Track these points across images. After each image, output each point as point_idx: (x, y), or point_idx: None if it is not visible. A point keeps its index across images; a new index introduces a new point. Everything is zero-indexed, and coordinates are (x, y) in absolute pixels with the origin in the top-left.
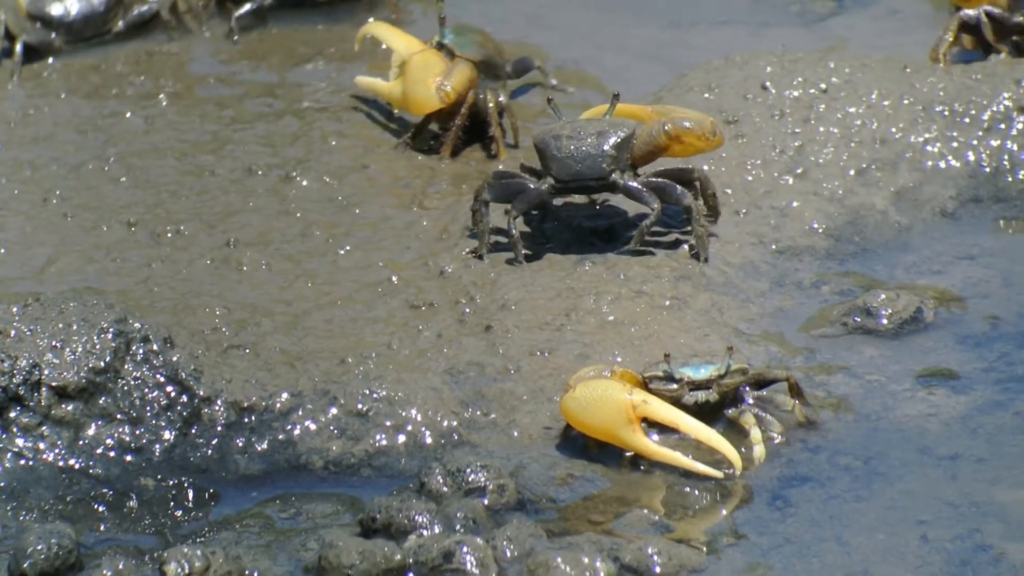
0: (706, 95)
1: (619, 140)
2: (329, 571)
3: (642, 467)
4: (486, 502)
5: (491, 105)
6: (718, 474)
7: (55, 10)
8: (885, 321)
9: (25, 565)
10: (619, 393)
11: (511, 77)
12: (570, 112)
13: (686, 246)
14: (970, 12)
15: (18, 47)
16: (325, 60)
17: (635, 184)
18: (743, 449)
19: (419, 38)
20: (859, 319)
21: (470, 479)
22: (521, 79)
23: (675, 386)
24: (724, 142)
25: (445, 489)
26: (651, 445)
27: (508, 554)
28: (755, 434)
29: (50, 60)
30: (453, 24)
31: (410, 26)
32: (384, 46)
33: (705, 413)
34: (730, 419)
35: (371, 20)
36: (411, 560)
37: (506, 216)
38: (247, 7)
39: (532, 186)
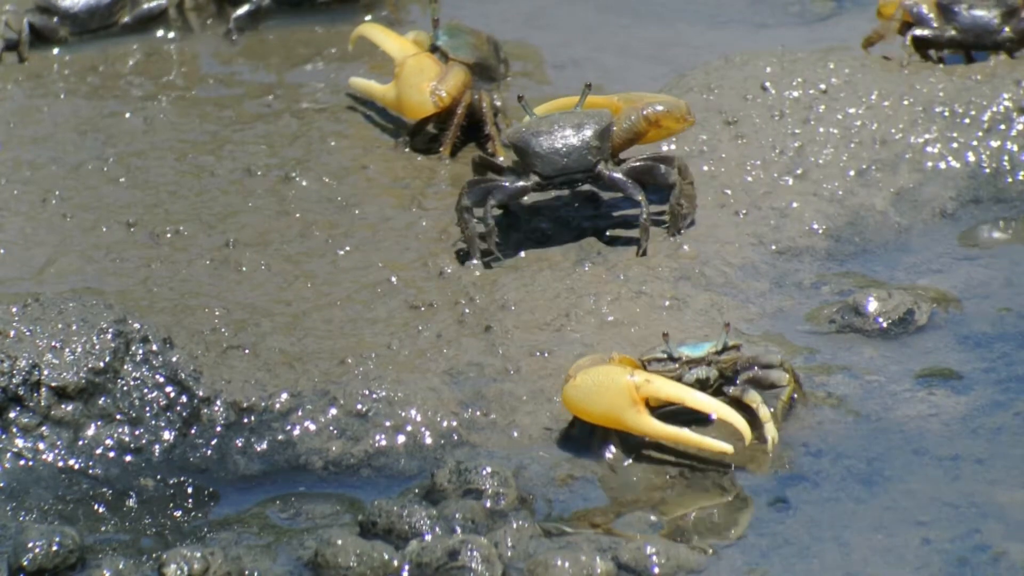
0: (705, 95)
1: (601, 129)
2: (325, 568)
3: (643, 467)
4: (488, 505)
5: (485, 106)
6: (728, 448)
7: (63, 1)
8: (877, 321)
9: (24, 560)
10: (621, 376)
11: (505, 77)
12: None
13: (686, 247)
14: (909, 4)
15: (24, 27)
16: (324, 61)
17: (619, 175)
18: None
19: (412, 39)
20: (849, 318)
21: (471, 480)
22: None
23: (675, 366)
24: (695, 123)
25: (448, 486)
26: (658, 425)
27: (508, 554)
28: (763, 412)
29: (55, 51)
30: (446, 25)
31: (409, 26)
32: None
33: (705, 392)
34: (733, 397)
35: (367, 19)
36: (412, 562)
37: (487, 208)
38: (245, 8)
39: (508, 184)
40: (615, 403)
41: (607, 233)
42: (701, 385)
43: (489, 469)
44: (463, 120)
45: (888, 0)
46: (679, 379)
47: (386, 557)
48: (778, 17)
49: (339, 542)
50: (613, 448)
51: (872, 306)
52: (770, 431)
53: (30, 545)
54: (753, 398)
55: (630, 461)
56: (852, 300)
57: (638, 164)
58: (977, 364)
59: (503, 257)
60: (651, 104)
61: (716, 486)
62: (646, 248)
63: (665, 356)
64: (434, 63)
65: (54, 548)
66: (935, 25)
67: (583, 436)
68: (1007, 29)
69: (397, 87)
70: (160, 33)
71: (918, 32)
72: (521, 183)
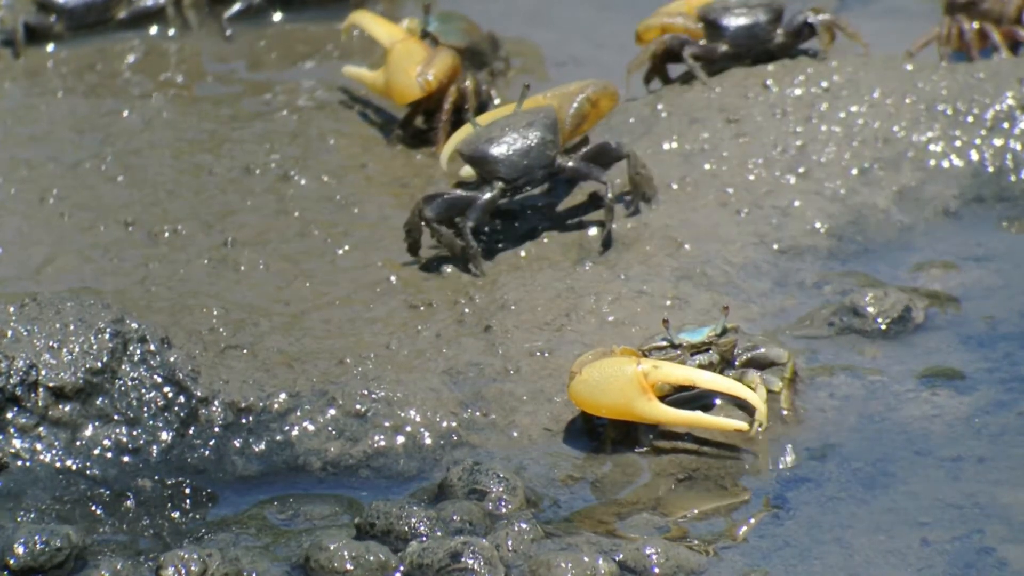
0: (707, 93)
1: (550, 123)
2: (318, 572)
3: (644, 468)
4: (490, 508)
5: (470, 91)
6: (743, 426)
7: None
8: (875, 321)
9: (11, 559)
10: (628, 365)
11: (497, 62)
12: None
13: (688, 246)
14: (668, 39)
15: (19, 26)
16: (323, 58)
17: (579, 164)
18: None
19: (406, 26)
20: (847, 319)
21: (479, 481)
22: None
23: (677, 353)
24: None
25: (458, 483)
26: (670, 411)
27: (510, 555)
28: (761, 393)
29: (49, 48)
30: (439, 12)
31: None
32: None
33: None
34: (733, 377)
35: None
36: (412, 564)
37: (460, 225)
38: (236, 7)
39: (478, 195)
40: (625, 394)
41: (607, 233)
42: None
43: (500, 474)
44: (451, 116)
45: (648, 25)
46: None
47: (382, 557)
48: None
49: (331, 546)
50: (620, 444)
51: (868, 306)
52: (760, 416)
53: (16, 545)
54: (752, 380)
55: (633, 460)
56: (849, 300)
57: (590, 148)
58: (980, 364)
59: (502, 257)
60: (584, 88)
61: (717, 487)
62: (612, 229)
63: (666, 344)
64: (422, 48)
65: (38, 547)
66: (703, 43)
67: (583, 436)
68: (780, 32)
69: (385, 72)
70: (158, 31)
71: (691, 50)
72: (489, 194)
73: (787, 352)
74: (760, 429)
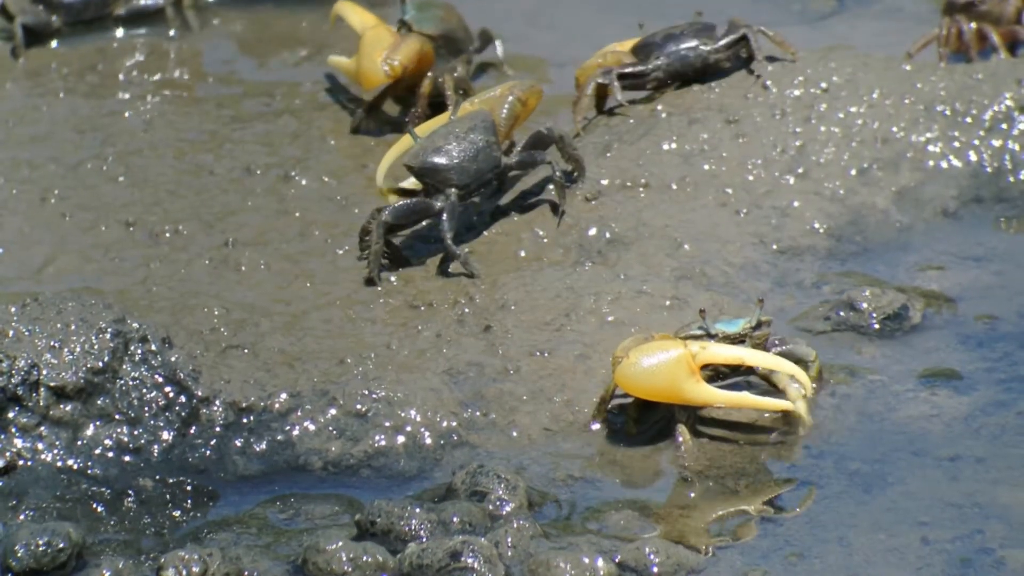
0: (707, 94)
1: (490, 125)
2: (316, 574)
3: (643, 467)
4: (491, 509)
5: (449, 89)
6: (788, 405)
7: None
8: (870, 316)
9: (12, 561)
10: (676, 346)
11: (477, 51)
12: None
13: (687, 246)
14: (601, 78)
15: (17, 28)
16: (324, 59)
17: (521, 156)
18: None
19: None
20: (844, 313)
21: (480, 483)
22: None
23: (712, 342)
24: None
25: (461, 486)
26: (717, 392)
27: (509, 554)
28: (792, 392)
29: (53, 45)
30: (417, 1)
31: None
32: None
33: (741, 371)
34: (763, 373)
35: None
36: (411, 564)
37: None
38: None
39: (435, 203)
40: (674, 376)
41: (607, 232)
42: None
43: (501, 475)
44: (427, 102)
45: (586, 68)
46: None
47: (380, 558)
48: (779, 16)
49: (329, 548)
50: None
51: (865, 301)
52: (801, 408)
53: (17, 547)
54: (782, 378)
55: (633, 460)
56: (847, 297)
57: (526, 141)
58: (979, 364)
59: (502, 257)
60: (512, 89)
61: (718, 486)
62: (564, 209)
63: (702, 333)
64: (390, 34)
65: (41, 548)
66: (640, 68)
67: (582, 436)
68: (714, 57)
69: (356, 59)
70: (158, 31)
71: (618, 71)
72: (450, 202)
73: (814, 351)
74: (807, 395)
